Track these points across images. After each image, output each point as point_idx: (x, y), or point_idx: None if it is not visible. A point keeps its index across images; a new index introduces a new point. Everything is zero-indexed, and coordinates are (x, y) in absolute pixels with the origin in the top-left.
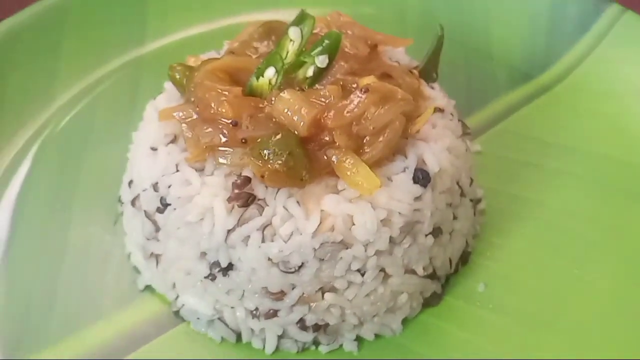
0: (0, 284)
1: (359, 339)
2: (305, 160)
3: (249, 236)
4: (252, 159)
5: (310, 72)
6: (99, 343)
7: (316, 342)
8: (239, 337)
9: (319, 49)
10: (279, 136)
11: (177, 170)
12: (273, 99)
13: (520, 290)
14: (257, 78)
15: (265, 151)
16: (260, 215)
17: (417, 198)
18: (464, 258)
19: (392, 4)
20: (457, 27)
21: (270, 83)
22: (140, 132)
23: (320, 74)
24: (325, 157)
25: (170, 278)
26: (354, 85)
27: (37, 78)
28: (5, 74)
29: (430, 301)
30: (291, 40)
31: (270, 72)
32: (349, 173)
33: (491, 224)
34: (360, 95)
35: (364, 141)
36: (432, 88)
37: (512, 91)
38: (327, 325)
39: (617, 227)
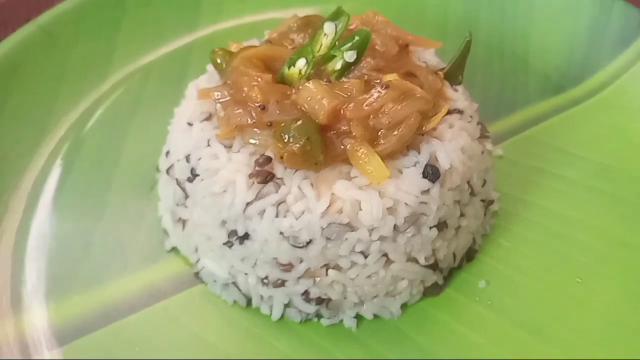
0: (47, 234)
1: (358, 317)
2: (321, 146)
3: (264, 210)
4: (274, 140)
5: (338, 65)
6: (123, 293)
7: (318, 315)
8: (249, 301)
9: (349, 44)
10: (300, 122)
11: (208, 145)
12: (300, 87)
13: (521, 292)
14: (289, 67)
15: (285, 134)
16: (276, 192)
17: (425, 192)
18: (470, 255)
19: (435, 6)
20: (497, 33)
21: (300, 73)
22: (180, 108)
23: (347, 68)
24: (342, 146)
25: (193, 242)
26: (377, 81)
27: (97, 53)
28: (70, 47)
29: (430, 291)
30: (325, 34)
31: (301, 63)
32: (361, 162)
33: (502, 226)
34: (380, 90)
35: (379, 134)
36: (456, 90)
37: (543, 101)
38: (329, 299)
39: (627, 244)
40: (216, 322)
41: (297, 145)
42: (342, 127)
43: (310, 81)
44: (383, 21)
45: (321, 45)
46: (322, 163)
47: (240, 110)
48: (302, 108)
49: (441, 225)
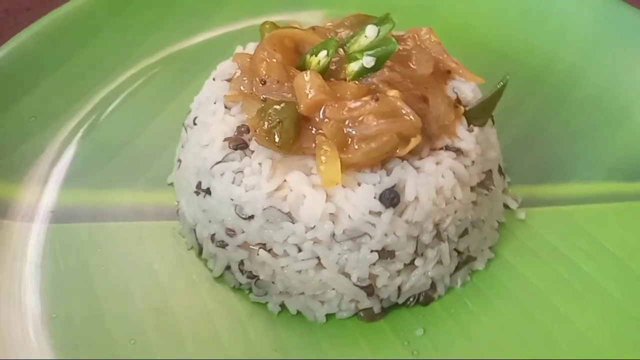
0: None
1: (283, 307)
2: (292, 133)
3: (224, 173)
4: (255, 114)
5: (356, 67)
6: (117, 202)
7: (250, 289)
8: (200, 251)
9: (372, 51)
10: (282, 105)
11: (214, 102)
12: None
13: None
14: (310, 55)
15: (265, 112)
16: (240, 161)
17: (375, 213)
18: (426, 299)
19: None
20: (571, 81)
21: (318, 63)
22: (218, 67)
23: (364, 72)
24: (315, 141)
25: (180, 181)
26: (380, 94)
27: (126, 39)
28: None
29: (363, 314)
30: (366, 36)
31: (322, 54)
32: (320, 159)
33: (476, 286)
34: (368, 101)
35: (349, 141)
36: (470, 131)
37: (598, 182)
38: (258, 277)
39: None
40: (169, 257)
41: (268, 124)
42: (320, 123)
43: (309, 71)
44: (434, 41)
45: (358, 44)
46: (285, 148)
47: (246, 79)
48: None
49: (385, 253)
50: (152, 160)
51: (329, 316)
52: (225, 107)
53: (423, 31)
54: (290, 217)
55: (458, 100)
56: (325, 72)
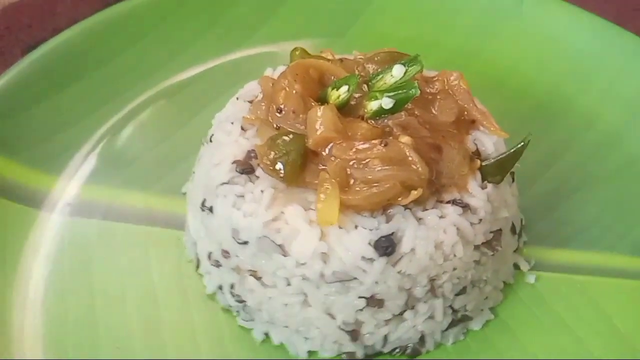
0: None
1: (267, 336)
2: (297, 166)
3: (227, 195)
4: (263, 142)
5: (375, 106)
6: (132, 202)
7: (238, 312)
8: (198, 266)
9: (393, 92)
10: (291, 137)
11: (232, 123)
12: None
13: None
14: (332, 88)
15: (273, 142)
16: (243, 185)
17: (367, 259)
18: (414, 352)
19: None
20: (632, 159)
21: (337, 97)
22: (245, 86)
23: (381, 113)
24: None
25: (191, 194)
26: (392, 137)
27: (168, 48)
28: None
29: (347, 358)
30: (392, 75)
31: (343, 89)
32: (320, 196)
33: (468, 345)
34: (377, 144)
35: (351, 182)
36: (483, 187)
37: (622, 255)
38: (246, 303)
39: None
40: (168, 267)
41: (274, 153)
42: (326, 160)
43: (322, 106)
44: (462, 88)
45: (383, 83)
46: (288, 179)
47: (263, 105)
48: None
49: (374, 302)
50: (172, 168)
51: (311, 353)
52: (242, 128)
53: (453, 76)
54: (283, 250)
55: (478, 153)
56: (345, 107)
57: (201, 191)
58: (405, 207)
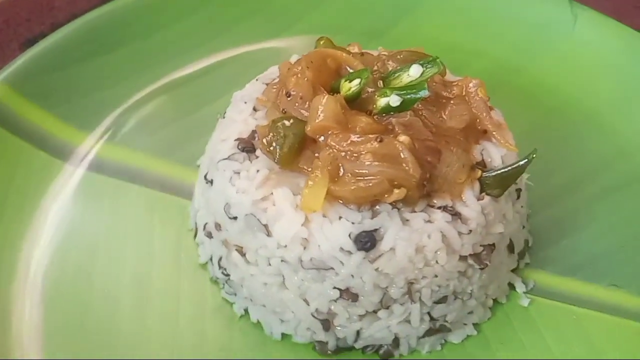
0: None
1: (247, 312)
2: (292, 150)
3: (225, 170)
4: (266, 124)
5: (383, 102)
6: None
7: (224, 285)
8: (196, 235)
9: (402, 91)
10: (291, 121)
11: (245, 102)
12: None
13: None
14: (345, 80)
15: (274, 124)
16: (241, 163)
17: (345, 251)
18: (385, 354)
19: None
20: None
21: (349, 89)
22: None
23: (389, 109)
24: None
25: (201, 166)
26: (392, 135)
27: (211, 28)
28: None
29: (318, 347)
30: (409, 74)
31: (355, 82)
32: (308, 182)
33: (444, 356)
34: (372, 139)
35: (340, 173)
36: (480, 199)
37: (630, 294)
38: (229, 277)
39: None
40: (169, 233)
41: (272, 135)
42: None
43: (329, 96)
44: (479, 98)
45: (397, 81)
46: (282, 162)
47: (275, 89)
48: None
49: (348, 294)
50: (192, 141)
51: (285, 336)
52: (255, 109)
53: (472, 83)
54: (267, 230)
55: (483, 164)
56: (356, 100)
57: (206, 164)
58: (394, 206)
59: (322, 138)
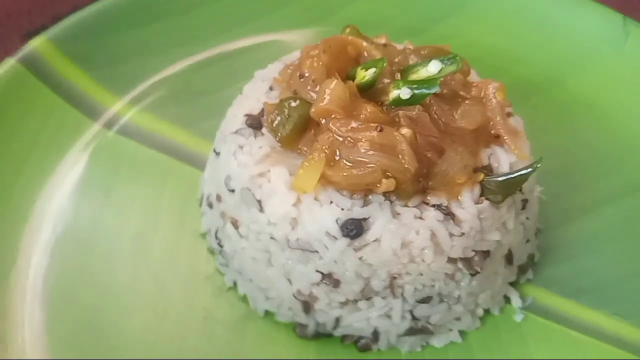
0: None
1: (236, 285)
2: (294, 131)
3: (231, 144)
4: (275, 104)
5: (394, 94)
6: (170, 137)
7: (218, 256)
8: (201, 204)
9: (414, 85)
10: (297, 102)
11: (263, 81)
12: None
13: None
14: (361, 69)
15: (281, 104)
16: (246, 138)
17: (330, 236)
18: (363, 346)
19: None
20: None
21: (363, 77)
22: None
23: (400, 102)
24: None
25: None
26: (396, 127)
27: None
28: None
29: (298, 329)
30: (427, 69)
31: (370, 71)
32: (304, 164)
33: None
34: (372, 128)
35: (336, 158)
36: (479, 202)
37: (633, 326)
38: (223, 248)
39: None
40: (177, 200)
41: (276, 114)
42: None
43: (337, 81)
44: (496, 101)
45: (415, 74)
46: (284, 142)
47: (290, 70)
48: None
49: (330, 279)
50: (217, 116)
51: (268, 313)
52: (271, 88)
53: (491, 85)
54: (259, 206)
55: (490, 169)
56: (370, 89)
57: (218, 136)
58: (387, 198)
59: (324, 121)
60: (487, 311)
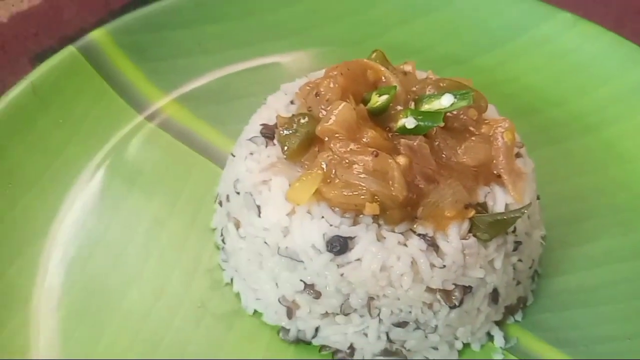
0: None
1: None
2: (301, 146)
3: (244, 149)
4: (287, 118)
5: (401, 123)
6: (200, 134)
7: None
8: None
9: (420, 116)
10: (306, 119)
11: (286, 94)
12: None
13: None
14: (376, 94)
15: (292, 118)
16: (258, 146)
17: (316, 249)
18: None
19: None
20: None
21: (376, 102)
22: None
23: (405, 130)
24: None
25: None
26: (395, 154)
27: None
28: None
29: (282, 332)
30: (440, 102)
31: (383, 97)
32: (302, 177)
33: None
34: (368, 152)
35: (332, 175)
36: (465, 238)
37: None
38: (225, 246)
39: None
40: (196, 196)
41: (285, 128)
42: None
43: (346, 104)
44: (503, 141)
45: (427, 105)
46: (289, 155)
47: (309, 88)
48: None
49: (312, 290)
50: (248, 119)
51: (257, 312)
52: (292, 102)
53: (502, 124)
54: (258, 211)
55: (484, 207)
56: (382, 115)
57: (239, 139)
58: (375, 220)
59: (327, 140)
60: (467, 345)
